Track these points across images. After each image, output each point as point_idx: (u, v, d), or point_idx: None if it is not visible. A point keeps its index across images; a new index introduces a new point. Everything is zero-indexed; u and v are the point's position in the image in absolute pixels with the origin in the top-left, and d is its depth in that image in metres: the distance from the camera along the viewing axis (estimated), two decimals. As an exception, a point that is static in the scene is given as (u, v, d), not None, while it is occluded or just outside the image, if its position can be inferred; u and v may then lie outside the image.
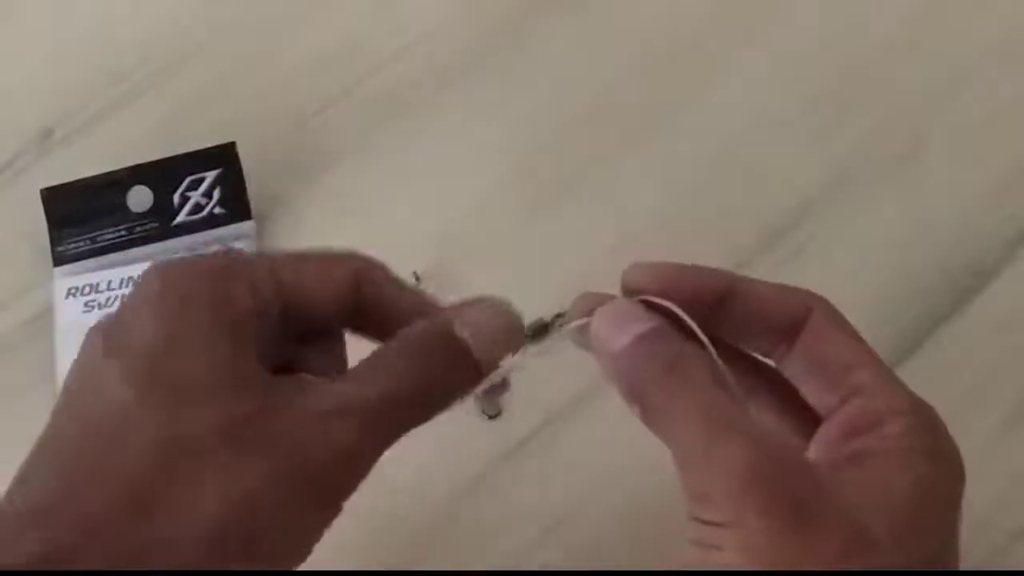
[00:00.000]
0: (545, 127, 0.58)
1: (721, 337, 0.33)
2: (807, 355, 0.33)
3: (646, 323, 0.32)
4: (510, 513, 0.47)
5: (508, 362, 0.34)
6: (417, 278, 0.51)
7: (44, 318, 0.53)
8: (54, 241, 0.54)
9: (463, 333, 0.32)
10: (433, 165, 0.57)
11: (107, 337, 0.30)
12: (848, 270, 0.53)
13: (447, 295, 0.52)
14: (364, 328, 0.34)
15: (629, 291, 0.33)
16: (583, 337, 0.34)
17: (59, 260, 0.53)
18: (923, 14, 0.60)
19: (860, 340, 0.33)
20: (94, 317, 0.39)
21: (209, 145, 0.55)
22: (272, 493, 0.28)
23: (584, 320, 0.33)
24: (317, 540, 0.30)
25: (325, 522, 0.30)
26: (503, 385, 0.34)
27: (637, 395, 0.31)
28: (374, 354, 0.32)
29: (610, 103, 0.58)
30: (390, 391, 0.30)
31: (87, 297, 0.52)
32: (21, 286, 0.54)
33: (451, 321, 0.32)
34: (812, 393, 0.33)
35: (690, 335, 0.32)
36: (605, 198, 0.55)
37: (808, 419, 0.33)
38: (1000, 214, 0.54)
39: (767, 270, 0.52)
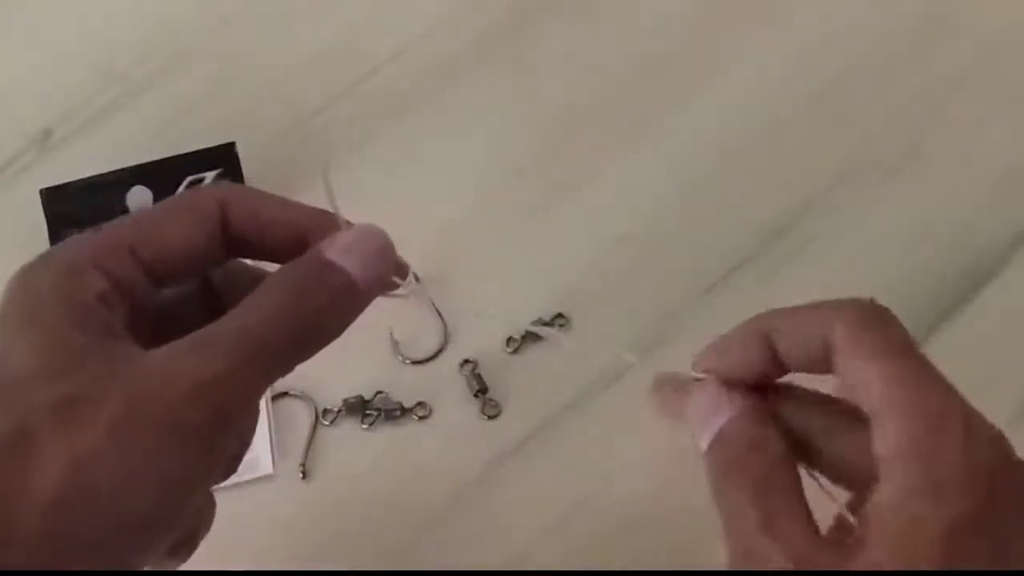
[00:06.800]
0: (544, 127, 0.58)
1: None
2: (840, 380, 0.32)
3: (725, 413, 0.33)
4: (510, 513, 0.48)
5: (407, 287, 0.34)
6: (416, 279, 0.51)
7: (44, 318, 0.53)
8: (54, 241, 0.54)
9: (335, 257, 0.32)
10: (432, 165, 0.57)
11: None
12: (847, 271, 0.53)
13: (447, 295, 0.53)
14: (257, 253, 0.34)
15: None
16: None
17: (59, 260, 0.53)
18: (923, 14, 0.60)
19: (882, 351, 0.31)
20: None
21: (209, 145, 0.55)
22: (113, 443, 0.28)
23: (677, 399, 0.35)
24: (197, 486, 0.30)
25: (193, 463, 0.29)
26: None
27: (711, 487, 0.33)
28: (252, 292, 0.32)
29: (610, 103, 0.58)
30: (259, 320, 0.30)
31: (87, 297, 0.52)
32: (21, 286, 0.54)
33: (322, 248, 0.32)
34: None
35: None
36: (605, 198, 0.55)
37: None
38: (999, 215, 0.54)
39: (767, 270, 0.53)
